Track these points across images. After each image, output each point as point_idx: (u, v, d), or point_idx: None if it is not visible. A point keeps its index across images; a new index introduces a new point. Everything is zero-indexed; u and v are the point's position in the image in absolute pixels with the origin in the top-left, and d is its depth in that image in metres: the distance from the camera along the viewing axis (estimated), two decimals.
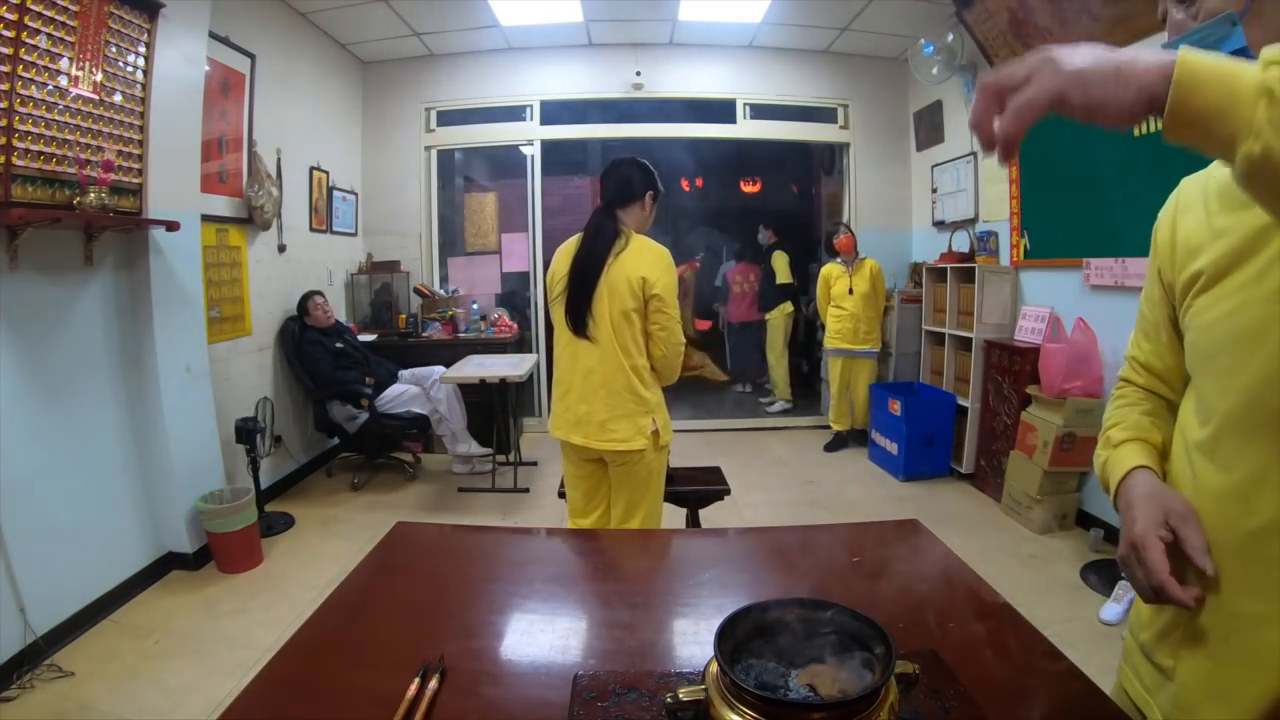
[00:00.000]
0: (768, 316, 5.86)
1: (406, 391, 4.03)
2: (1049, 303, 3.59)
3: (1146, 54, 0.51)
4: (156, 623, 2.48)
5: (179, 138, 2.84)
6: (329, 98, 4.59)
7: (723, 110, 5.12)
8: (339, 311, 4.58)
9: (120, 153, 2.53)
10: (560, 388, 2.03)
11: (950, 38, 4.11)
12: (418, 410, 4.00)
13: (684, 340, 2.00)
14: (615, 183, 2.00)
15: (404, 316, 4.85)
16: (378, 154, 5.08)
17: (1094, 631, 2.42)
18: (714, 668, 0.66)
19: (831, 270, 4.67)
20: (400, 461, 4.24)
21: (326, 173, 4.48)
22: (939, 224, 4.81)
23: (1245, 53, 0.62)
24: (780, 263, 5.80)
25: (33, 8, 2.11)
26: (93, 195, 2.31)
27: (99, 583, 2.53)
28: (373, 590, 1.11)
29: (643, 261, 1.90)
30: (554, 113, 5.07)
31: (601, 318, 1.90)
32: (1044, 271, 3.72)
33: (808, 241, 6.47)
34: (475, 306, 5.05)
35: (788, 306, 5.76)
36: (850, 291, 4.53)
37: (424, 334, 4.77)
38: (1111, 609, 2.48)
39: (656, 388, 2.01)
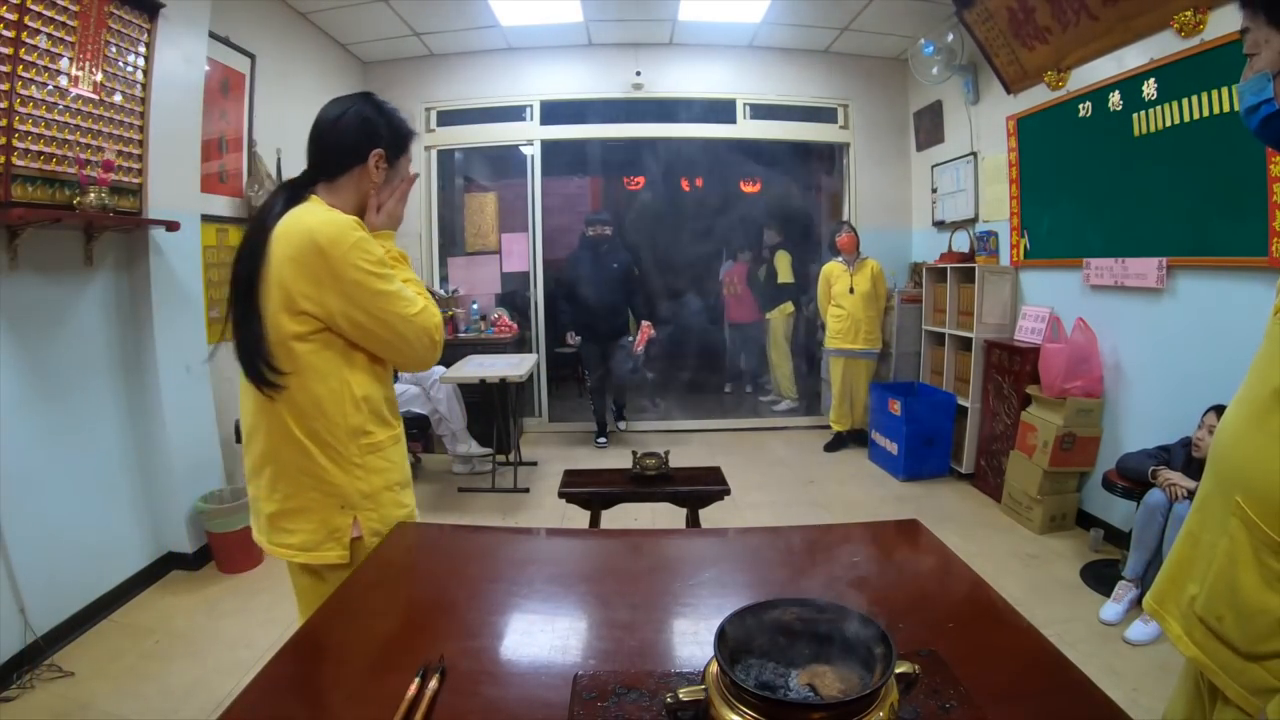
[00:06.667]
0: (769, 316, 5.88)
1: (406, 391, 4.03)
2: (1049, 303, 3.59)
3: None
4: (156, 623, 2.48)
5: (179, 138, 2.84)
6: (329, 98, 4.56)
7: (723, 110, 5.12)
8: None
9: (120, 153, 2.53)
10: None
11: (950, 38, 4.11)
12: (418, 410, 4.00)
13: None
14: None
15: None
16: None
17: (1094, 631, 2.42)
18: (714, 668, 0.66)
19: (832, 269, 4.67)
20: None
21: None
22: (939, 224, 4.81)
23: (1271, 104, 0.81)
24: (783, 262, 5.82)
25: (33, 8, 2.11)
26: (93, 195, 2.31)
27: (99, 583, 2.53)
28: (373, 590, 1.11)
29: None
30: (554, 113, 5.08)
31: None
32: (1044, 271, 3.72)
33: (811, 241, 6.48)
34: (475, 306, 5.05)
35: (788, 306, 5.78)
36: (851, 291, 4.53)
37: None
38: (1111, 609, 2.48)
39: (371, 465, 1.29)
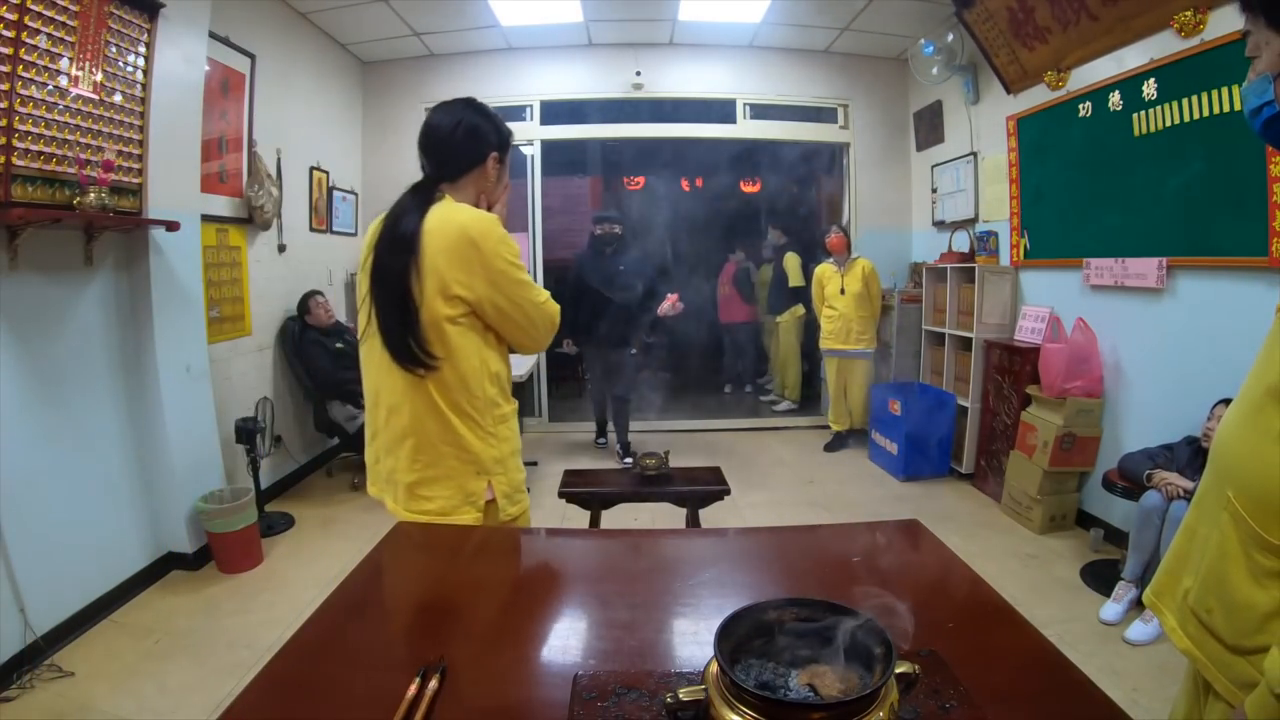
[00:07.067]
0: (778, 319, 5.89)
1: None
2: (1049, 303, 3.59)
3: None
4: (156, 623, 2.48)
5: (179, 138, 2.84)
6: (329, 98, 4.59)
7: (723, 110, 5.13)
8: (339, 312, 4.58)
9: (120, 153, 2.53)
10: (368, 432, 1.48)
11: (950, 38, 4.11)
12: None
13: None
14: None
15: None
16: (378, 154, 5.08)
17: (1094, 631, 2.42)
18: (714, 668, 0.66)
19: (824, 270, 4.67)
20: None
21: (326, 173, 4.48)
22: (939, 224, 4.81)
23: (1273, 106, 0.80)
24: (792, 264, 5.79)
25: (33, 8, 2.11)
26: (93, 195, 2.31)
27: (99, 583, 2.53)
28: (373, 590, 1.11)
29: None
30: (554, 113, 5.08)
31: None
32: (1044, 271, 3.72)
33: (816, 243, 6.49)
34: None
35: (799, 309, 5.74)
36: (842, 291, 4.52)
37: None
38: (1111, 609, 2.48)
39: (501, 435, 1.43)
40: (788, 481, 4.13)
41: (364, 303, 1.38)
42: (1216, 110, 2.54)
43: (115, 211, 2.45)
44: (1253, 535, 0.81)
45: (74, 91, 2.30)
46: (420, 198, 1.37)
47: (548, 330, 1.46)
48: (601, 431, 4.89)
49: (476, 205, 1.42)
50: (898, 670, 0.65)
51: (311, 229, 4.32)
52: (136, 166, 2.62)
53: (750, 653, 0.72)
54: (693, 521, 2.57)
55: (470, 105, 1.46)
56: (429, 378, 1.33)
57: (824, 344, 4.72)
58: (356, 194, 4.97)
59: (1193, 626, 0.89)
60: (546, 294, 1.44)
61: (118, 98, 2.50)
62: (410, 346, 1.30)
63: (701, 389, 6.44)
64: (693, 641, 0.92)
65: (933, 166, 4.85)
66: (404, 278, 1.29)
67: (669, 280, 5.63)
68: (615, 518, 2.85)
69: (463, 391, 1.35)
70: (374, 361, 1.38)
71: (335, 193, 4.62)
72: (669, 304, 3.87)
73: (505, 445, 1.43)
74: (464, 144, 1.41)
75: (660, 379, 6.02)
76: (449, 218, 1.32)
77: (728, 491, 2.56)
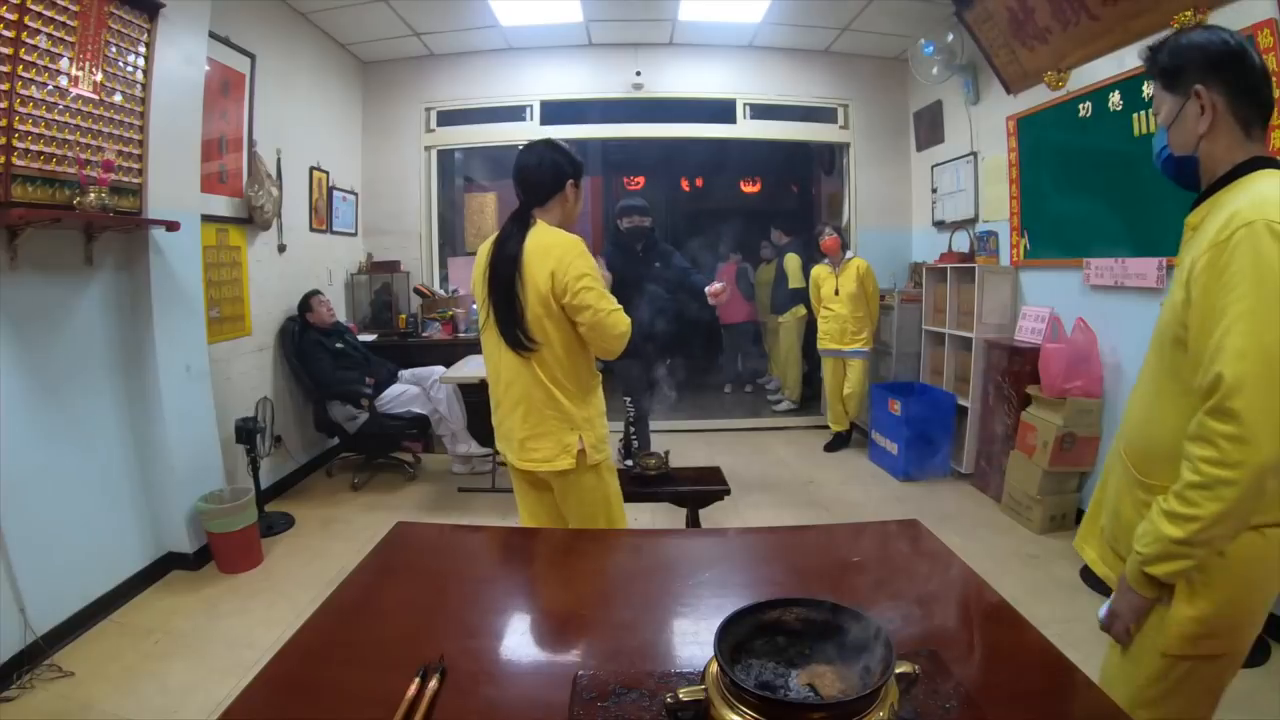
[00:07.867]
0: (780, 320, 5.89)
1: (406, 391, 4.03)
2: (1049, 303, 3.59)
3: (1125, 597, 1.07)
4: (156, 623, 2.48)
5: (179, 138, 2.83)
6: (329, 98, 4.58)
7: (723, 110, 5.12)
8: (339, 311, 4.58)
9: (120, 153, 2.53)
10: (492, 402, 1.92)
11: (950, 38, 4.11)
12: (418, 410, 3.99)
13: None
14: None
15: (404, 316, 4.85)
16: (378, 154, 5.08)
17: (1094, 632, 2.38)
18: (714, 668, 0.66)
19: (819, 272, 4.67)
20: (400, 461, 4.24)
21: (326, 173, 4.48)
22: (939, 224, 4.81)
23: (1165, 150, 1.13)
24: (793, 265, 5.79)
25: (33, 8, 2.10)
26: (93, 195, 2.31)
27: (99, 583, 2.53)
28: (373, 590, 1.12)
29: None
30: (554, 113, 5.07)
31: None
32: (1044, 271, 3.72)
33: (810, 243, 6.50)
34: (475, 306, 5.03)
35: (800, 310, 5.73)
36: (836, 292, 4.52)
37: (424, 334, 4.76)
38: None
39: (589, 401, 1.83)
40: (788, 481, 4.13)
41: (483, 304, 1.81)
42: None
43: (115, 211, 2.45)
44: (1134, 479, 1.08)
45: (74, 91, 2.30)
46: (519, 224, 1.77)
47: (614, 338, 1.76)
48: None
49: (562, 224, 1.81)
50: (898, 670, 0.65)
51: (311, 229, 4.32)
52: (136, 166, 2.62)
53: (750, 653, 0.72)
54: (693, 521, 2.57)
55: (550, 145, 1.83)
56: (532, 358, 1.74)
57: (821, 344, 4.73)
58: (356, 194, 4.97)
59: (1110, 557, 1.14)
60: (617, 306, 1.75)
61: (118, 98, 2.50)
62: (519, 335, 1.71)
63: (701, 389, 6.44)
64: (693, 641, 0.92)
65: (933, 166, 4.85)
66: (512, 285, 1.71)
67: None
68: None
69: (558, 367, 1.75)
70: (492, 346, 1.80)
71: (335, 193, 4.61)
72: (718, 287, 3.08)
73: (592, 408, 1.82)
74: (548, 176, 1.79)
75: (677, 385, 5.84)
76: (540, 240, 1.72)
77: (728, 491, 2.57)
